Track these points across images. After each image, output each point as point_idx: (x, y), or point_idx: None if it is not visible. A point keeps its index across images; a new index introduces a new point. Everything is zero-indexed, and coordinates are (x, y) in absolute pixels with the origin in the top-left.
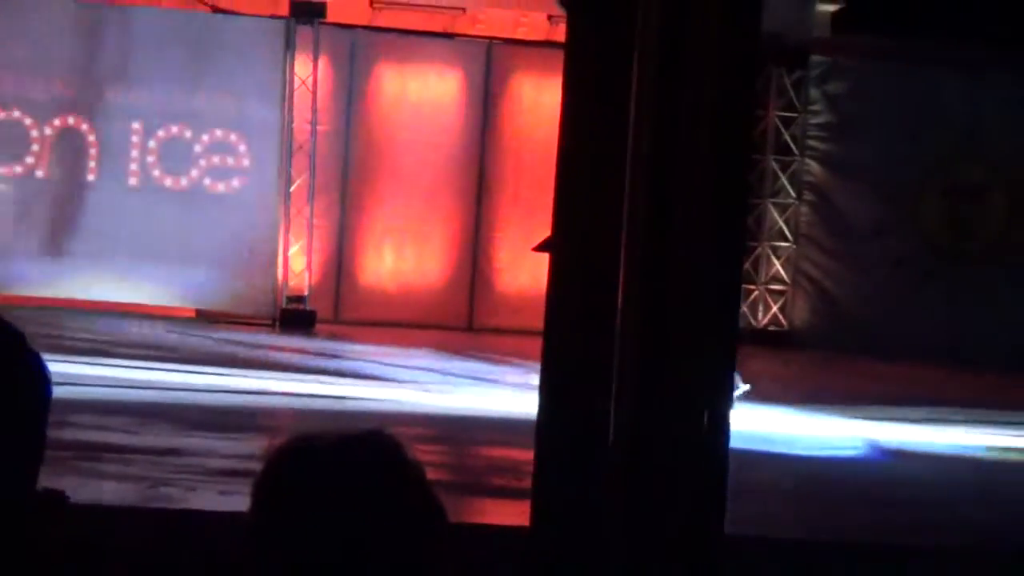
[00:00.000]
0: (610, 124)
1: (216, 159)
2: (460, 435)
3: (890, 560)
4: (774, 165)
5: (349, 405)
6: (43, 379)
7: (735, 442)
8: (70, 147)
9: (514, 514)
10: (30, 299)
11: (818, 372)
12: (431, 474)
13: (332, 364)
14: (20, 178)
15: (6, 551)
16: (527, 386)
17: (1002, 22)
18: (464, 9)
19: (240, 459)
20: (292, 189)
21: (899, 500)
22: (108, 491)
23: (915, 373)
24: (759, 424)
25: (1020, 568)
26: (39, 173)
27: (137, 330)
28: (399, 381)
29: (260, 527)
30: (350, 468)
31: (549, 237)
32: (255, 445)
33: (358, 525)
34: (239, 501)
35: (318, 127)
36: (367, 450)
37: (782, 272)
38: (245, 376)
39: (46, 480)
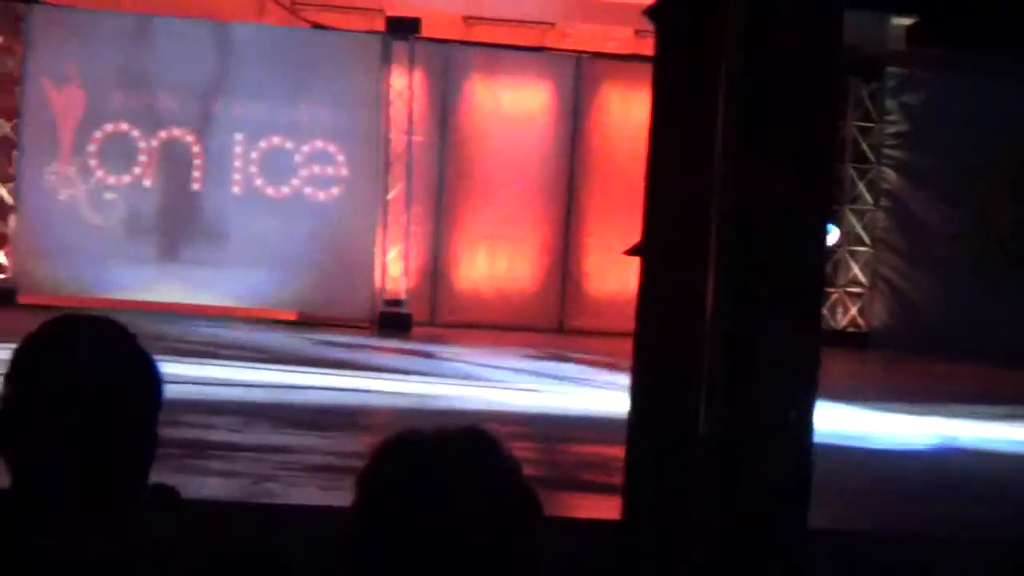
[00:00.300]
0: (697, 133)
1: (316, 169)
2: (552, 433)
3: (967, 554)
4: (852, 173)
5: (446, 404)
6: (155, 380)
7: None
8: (176, 158)
9: (605, 508)
10: (138, 303)
11: (895, 372)
12: (525, 470)
13: (428, 365)
14: (128, 188)
15: (122, 543)
16: (616, 385)
17: None
18: (553, 24)
19: (339, 456)
20: (389, 197)
21: (975, 495)
22: (215, 487)
23: (990, 373)
24: (836, 422)
25: None
26: (146, 183)
27: (240, 333)
28: (493, 381)
29: (363, 519)
30: (449, 463)
31: (639, 242)
32: (354, 443)
33: (457, 517)
34: (339, 496)
35: (414, 138)
36: (465, 446)
37: (860, 275)
38: (344, 376)
39: (157, 476)
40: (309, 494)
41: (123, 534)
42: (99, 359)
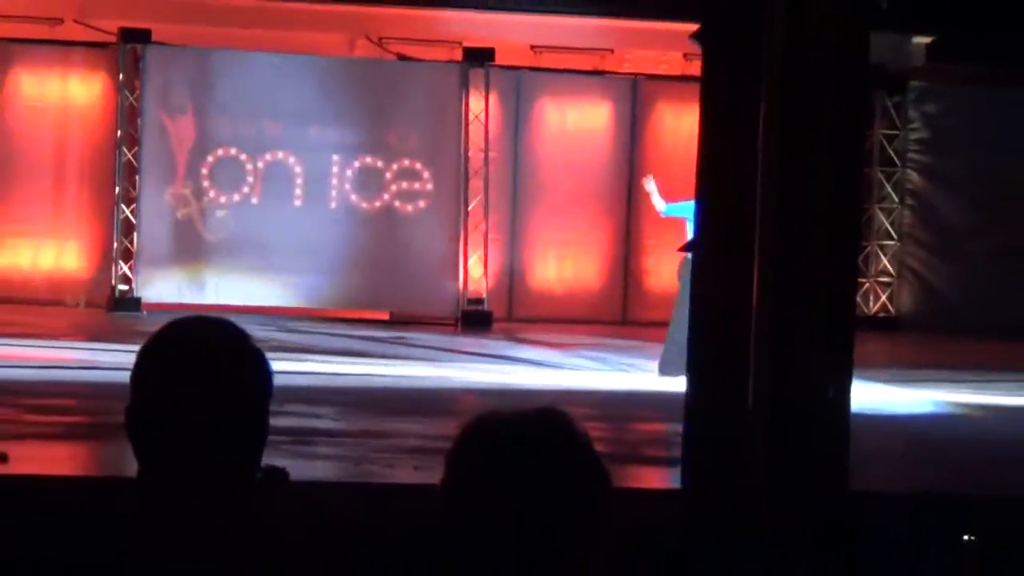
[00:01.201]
0: (742, 143)
1: (404, 184)
2: (617, 412)
3: (1002, 510)
4: (880, 175)
5: (524, 388)
6: (267, 373)
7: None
8: (279, 178)
9: (667, 479)
10: (247, 308)
11: (922, 350)
12: (595, 446)
13: (509, 354)
14: (238, 206)
15: (240, 519)
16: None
17: None
18: (612, 50)
19: (430, 439)
20: (469, 208)
21: (1001, 456)
22: (320, 469)
23: (1005, 348)
24: (871, 395)
25: None
26: (253, 201)
27: (339, 331)
28: (566, 367)
29: (452, 492)
30: (529, 439)
31: (692, 239)
32: (444, 427)
33: (537, 488)
34: (431, 475)
35: (490, 154)
36: (543, 424)
37: (889, 267)
38: (435, 366)
39: (269, 460)
40: (405, 474)
41: (241, 512)
42: (216, 356)
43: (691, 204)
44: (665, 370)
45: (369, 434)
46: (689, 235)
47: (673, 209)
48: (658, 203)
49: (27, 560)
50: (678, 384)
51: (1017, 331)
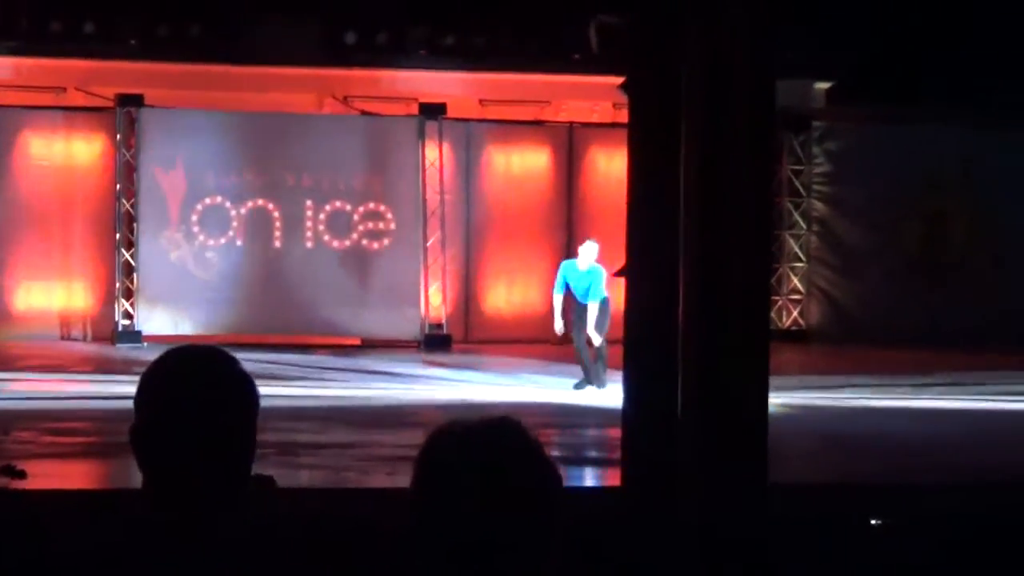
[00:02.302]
0: (666, 181)
1: (370, 225)
2: (563, 421)
3: (908, 499)
4: (789, 205)
5: (481, 400)
6: (253, 393)
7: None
8: (260, 222)
9: (608, 478)
10: (235, 337)
11: (829, 359)
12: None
13: (467, 372)
14: (224, 247)
15: (234, 523)
16: (613, 381)
17: (950, 91)
18: (550, 101)
19: (401, 448)
20: (428, 244)
21: (906, 449)
22: (304, 477)
23: (900, 355)
24: (786, 398)
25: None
26: (238, 242)
27: (314, 357)
28: (517, 382)
29: (420, 493)
30: (487, 444)
31: (624, 266)
32: (412, 437)
33: (496, 488)
34: (403, 479)
35: (445, 196)
36: (500, 431)
37: (799, 285)
38: (402, 385)
39: (258, 470)
40: (379, 479)
41: (234, 516)
42: (209, 380)
43: (564, 267)
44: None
45: (346, 445)
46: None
47: (560, 285)
48: (556, 302)
49: (45, 564)
50: (615, 396)
51: (911, 339)
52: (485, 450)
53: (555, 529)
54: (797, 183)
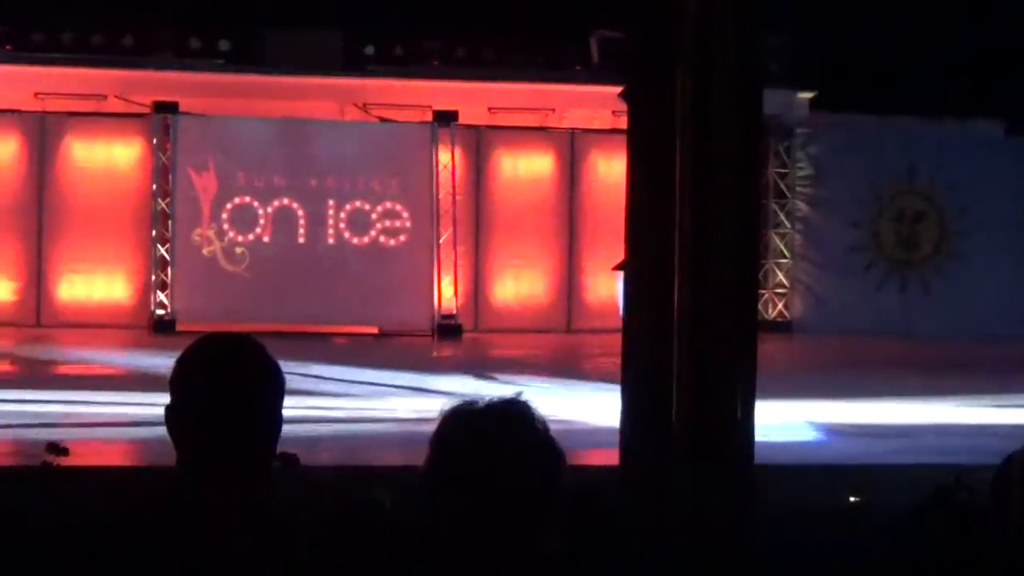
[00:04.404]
0: (662, 182)
1: (387, 223)
2: (565, 403)
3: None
4: (774, 206)
5: (491, 382)
6: (279, 376)
7: None
8: (286, 220)
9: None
10: (263, 327)
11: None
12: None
13: (478, 359)
14: (252, 243)
15: (260, 496)
16: (611, 365)
17: (929, 97)
18: (554, 109)
19: (415, 423)
20: (441, 241)
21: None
22: (325, 454)
23: (875, 344)
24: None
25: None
26: (265, 239)
27: (331, 345)
28: (521, 367)
29: (436, 469)
30: (498, 422)
31: (622, 261)
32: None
33: (505, 461)
34: (417, 456)
35: (457, 197)
36: (509, 409)
37: (783, 280)
38: (415, 371)
39: (282, 447)
40: (394, 457)
41: (261, 490)
42: (237, 363)
43: None
44: None
45: (365, 421)
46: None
47: None
48: None
49: (88, 535)
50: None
51: (882, 330)
52: (496, 427)
53: (559, 505)
54: (782, 185)
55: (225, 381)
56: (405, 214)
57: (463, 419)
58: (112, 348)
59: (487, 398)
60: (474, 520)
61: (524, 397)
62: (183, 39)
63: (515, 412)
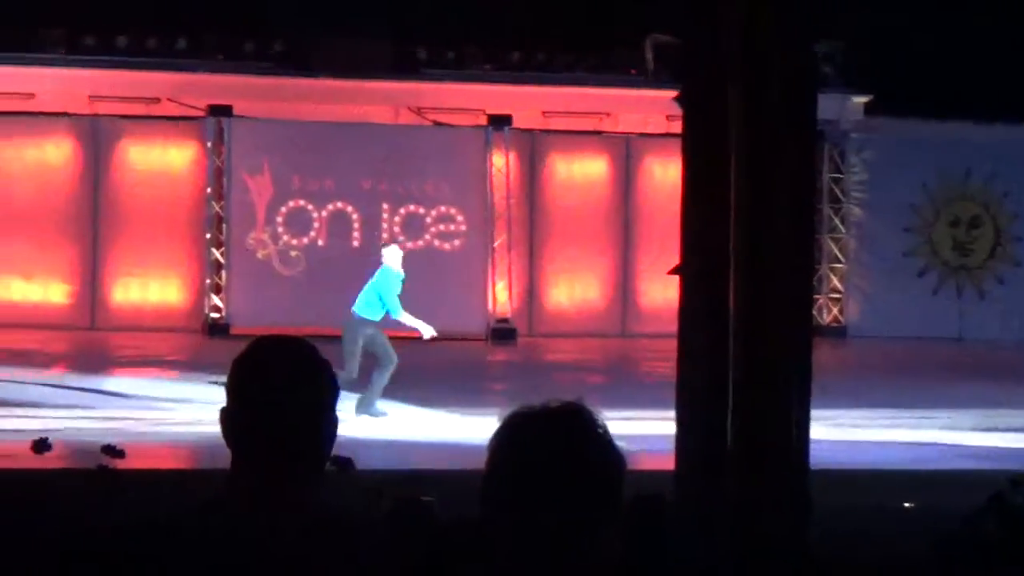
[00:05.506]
0: (717, 187)
1: (442, 227)
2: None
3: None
4: (828, 211)
5: (548, 386)
6: (333, 380)
7: None
8: (340, 223)
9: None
10: (317, 330)
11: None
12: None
13: (532, 363)
14: (307, 247)
15: (314, 498)
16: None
17: (985, 104)
18: (608, 113)
19: (469, 426)
20: (495, 244)
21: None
22: (378, 457)
23: (930, 348)
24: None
25: None
26: (320, 243)
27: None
28: (576, 370)
29: (494, 475)
30: (559, 428)
31: (678, 265)
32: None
33: (567, 470)
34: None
35: (511, 200)
36: (569, 412)
37: (838, 285)
38: (468, 374)
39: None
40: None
41: (316, 492)
42: (292, 367)
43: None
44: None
45: (421, 427)
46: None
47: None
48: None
49: (143, 537)
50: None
51: (938, 334)
52: (557, 433)
53: (619, 511)
54: (837, 190)
55: (280, 384)
56: (460, 218)
57: (522, 423)
58: (167, 351)
59: (546, 402)
60: (533, 524)
61: (582, 400)
62: (237, 42)
63: (575, 415)
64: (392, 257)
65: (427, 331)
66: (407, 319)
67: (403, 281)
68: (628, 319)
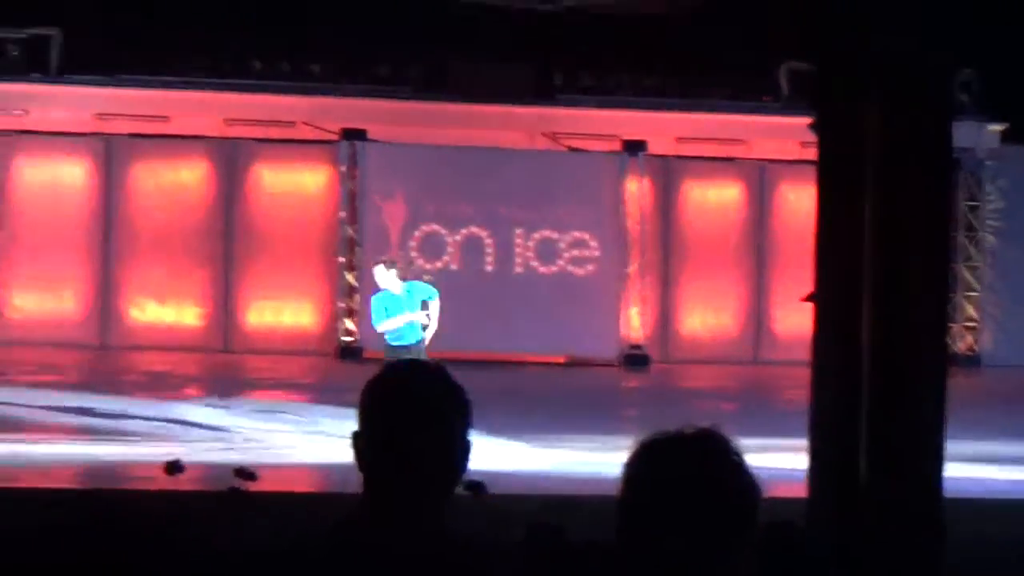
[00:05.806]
0: (851, 213)
1: (576, 252)
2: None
3: None
4: (963, 238)
5: (682, 412)
6: (466, 404)
7: None
8: (474, 248)
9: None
10: (450, 354)
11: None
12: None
13: (666, 389)
14: (440, 271)
15: (447, 520)
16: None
17: None
18: (743, 140)
19: (603, 452)
20: (629, 270)
21: None
22: (515, 482)
23: None
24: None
25: None
26: (453, 266)
27: (520, 374)
28: (710, 397)
29: (630, 502)
30: (695, 455)
31: (812, 292)
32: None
33: (704, 497)
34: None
35: (645, 226)
36: (705, 439)
37: (973, 314)
38: (602, 400)
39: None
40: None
41: (448, 516)
42: (425, 391)
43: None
44: None
45: (546, 448)
46: None
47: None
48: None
49: (274, 561)
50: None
51: None
52: (692, 459)
53: (753, 537)
54: (971, 218)
55: (412, 408)
56: (593, 243)
57: (658, 448)
58: (299, 374)
59: (681, 428)
60: (668, 549)
61: (718, 427)
62: (372, 66)
63: (711, 442)
64: (378, 277)
65: (417, 316)
66: (390, 324)
67: (408, 295)
68: (762, 346)
